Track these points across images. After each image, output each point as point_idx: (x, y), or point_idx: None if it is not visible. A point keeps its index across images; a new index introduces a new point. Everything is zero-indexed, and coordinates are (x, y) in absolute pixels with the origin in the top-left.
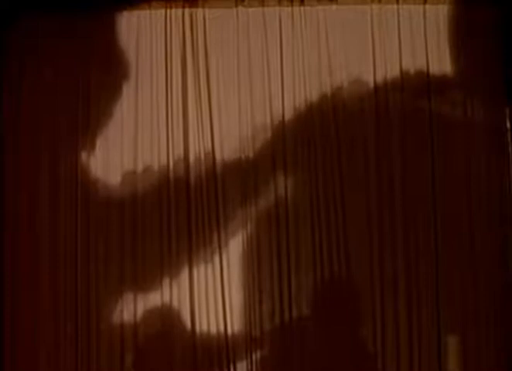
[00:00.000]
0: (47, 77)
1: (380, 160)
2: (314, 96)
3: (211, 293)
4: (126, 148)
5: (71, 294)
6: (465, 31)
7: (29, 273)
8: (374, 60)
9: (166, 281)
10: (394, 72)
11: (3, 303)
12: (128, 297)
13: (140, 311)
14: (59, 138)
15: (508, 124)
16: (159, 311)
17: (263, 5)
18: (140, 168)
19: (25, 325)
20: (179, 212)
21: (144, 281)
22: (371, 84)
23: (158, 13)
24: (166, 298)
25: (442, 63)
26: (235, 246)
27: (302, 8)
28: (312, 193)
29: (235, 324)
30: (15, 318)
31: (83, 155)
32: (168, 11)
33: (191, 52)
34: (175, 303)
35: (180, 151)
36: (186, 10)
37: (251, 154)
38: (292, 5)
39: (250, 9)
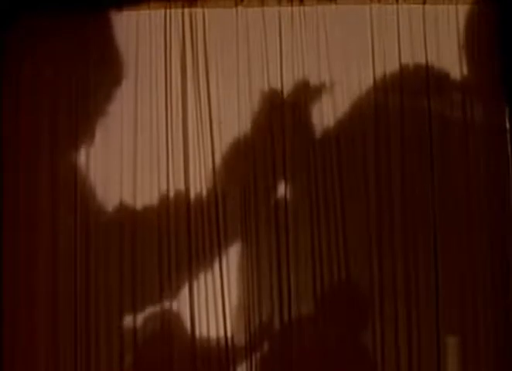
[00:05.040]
0: (46, 77)
1: (379, 160)
2: (313, 96)
3: (210, 295)
4: (126, 148)
5: (70, 295)
6: (464, 31)
7: (28, 274)
8: (374, 60)
9: (166, 284)
10: (393, 72)
11: (3, 303)
12: (128, 297)
13: (139, 315)
14: (59, 138)
15: (507, 124)
16: (159, 314)
17: (263, 5)
18: (139, 167)
19: (24, 326)
20: (178, 212)
21: (143, 284)
22: (370, 84)
23: (157, 13)
24: (166, 301)
25: (441, 63)
26: (234, 248)
27: (301, 8)
28: (312, 194)
29: (234, 326)
30: (15, 319)
31: (83, 155)
32: (167, 11)
33: (190, 52)
34: (174, 306)
35: (180, 151)
36: (186, 10)
37: (251, 154)
38: (292, 5)
39: (250, 9)
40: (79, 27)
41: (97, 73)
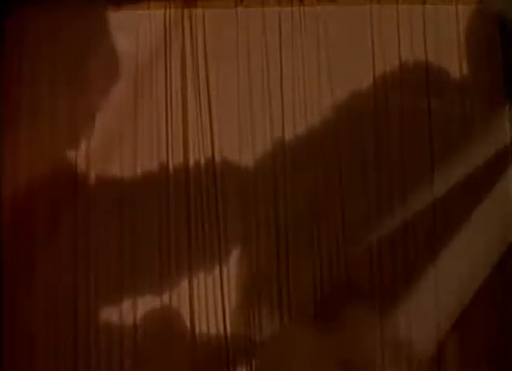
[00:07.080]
0: (45, 74)
1: (379, 160)
2: (313, 96)
3: (210, 295)
4: (125, 148)
5: (70, 295)
6: (464, 31)
7: (27, 274)
8: (374, 60)
9: (166, 283)
10: (393, 72)
11: (3, 303)
12: (127, 298)
13: (139, 313)
14: (58, 135)
15: (508, 124)
16: (159, 312)
17: (263, 5)
18: (139, 169)
19: (24, 326)
20: (178, 214)
21: (143, 283)
22: (370, 83)
23: (157, 13)
24: (166, 300)
25: (441, 63)
26: (234, 248)
27: (301, 8)
28: (312, 194)
29: (234, 326)
30: (15, 319)
31: (82, 154)
32: (167, 11)
33: (190, 53)
34: (174, 305)
35: (180, 152)
36: (186, 10)
37: (251, 155)
38: (292, 5)
39: (250, 9)
40: (78, 26)
41: (96, 70)
